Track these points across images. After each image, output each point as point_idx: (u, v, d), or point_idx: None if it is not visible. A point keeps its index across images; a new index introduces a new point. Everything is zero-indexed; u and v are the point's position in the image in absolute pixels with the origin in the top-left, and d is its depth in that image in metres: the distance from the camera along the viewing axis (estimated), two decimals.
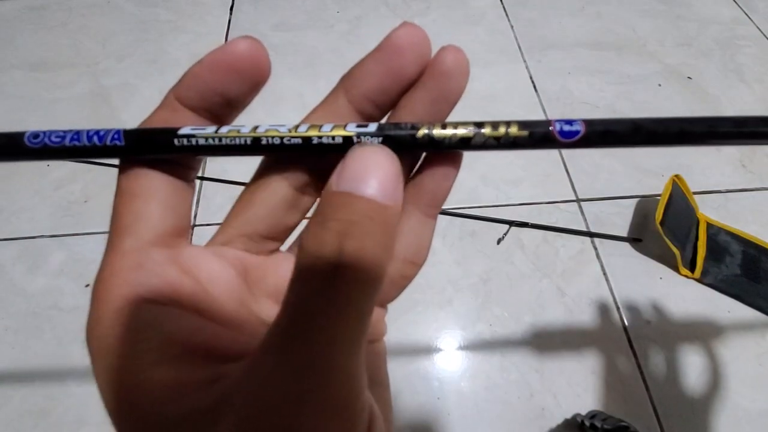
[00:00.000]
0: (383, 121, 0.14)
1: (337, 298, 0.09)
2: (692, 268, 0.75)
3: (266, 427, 0.09)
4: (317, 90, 1.07)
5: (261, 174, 0.15)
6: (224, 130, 0.12)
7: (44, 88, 0.98)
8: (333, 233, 0.10)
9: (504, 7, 1.14)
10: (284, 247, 0.16)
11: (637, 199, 0.83)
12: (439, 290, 0.74)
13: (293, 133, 0.12)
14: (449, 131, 0.12)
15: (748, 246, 0.77)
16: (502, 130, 0.12)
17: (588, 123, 0.12)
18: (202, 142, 0.12)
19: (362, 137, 0.12)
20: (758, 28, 1.11)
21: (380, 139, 0.12)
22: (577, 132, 0.12)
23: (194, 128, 0.12)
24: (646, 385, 0.66)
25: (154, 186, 0.12)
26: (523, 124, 0.12)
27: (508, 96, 0.98)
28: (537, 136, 0.12)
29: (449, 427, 0.64)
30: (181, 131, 0.12)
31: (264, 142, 0.12)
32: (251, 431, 0.10)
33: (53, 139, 0.12)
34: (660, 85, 1.00)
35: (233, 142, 0.12)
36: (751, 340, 0.70)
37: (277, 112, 0.94)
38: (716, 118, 0.12)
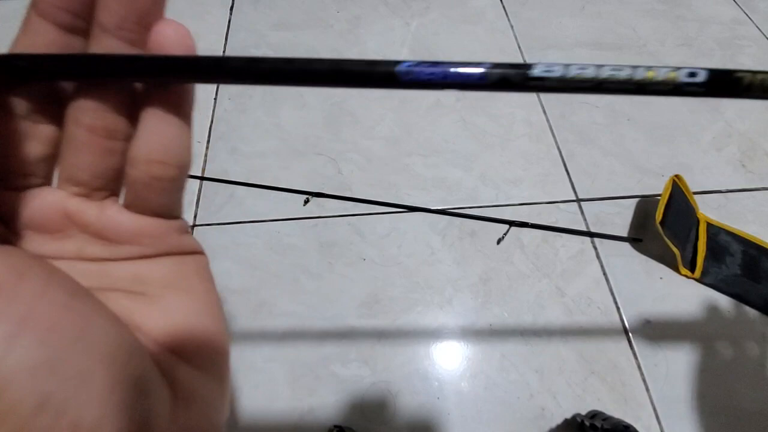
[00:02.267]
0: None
1: None
2: (692, 268, 0.75)
3: None
4: (317, 90, 1.06)
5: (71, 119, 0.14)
6: (572, 72, 0.13)
7: None
8: None
9: (504, 7, 1.14)
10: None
11: (637, 199, 0.83)
12: (439, 290, 0.74)
13: (634, 78, 0.13)
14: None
15: (748, 246, 0.77)
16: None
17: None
18: (552, 84, 0.13)
19: (689, 87, 0.13)
20: (758, 28, 1.11)
21: (705, 85, 0.13)
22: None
23: (546, 69, 0.13)
24: (646, 385, 0.66)
25: None
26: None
27: (508, 96, 0.98)
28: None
29: (449, 427, 0.64)
30: (535, 72, 0.13)
31: (606, 86, 0.13)
32: None
33: (423, 75, 0.13)
34: None
35: (580, 85, 0.13)
36: (751, 340, 0.70)
37: (278, 111, 0.95)
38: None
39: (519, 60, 1.04)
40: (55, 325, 0.10)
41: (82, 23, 0.13)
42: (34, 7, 0.13)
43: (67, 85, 0.14)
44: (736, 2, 1.16)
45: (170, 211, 0.15)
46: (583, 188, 0.85)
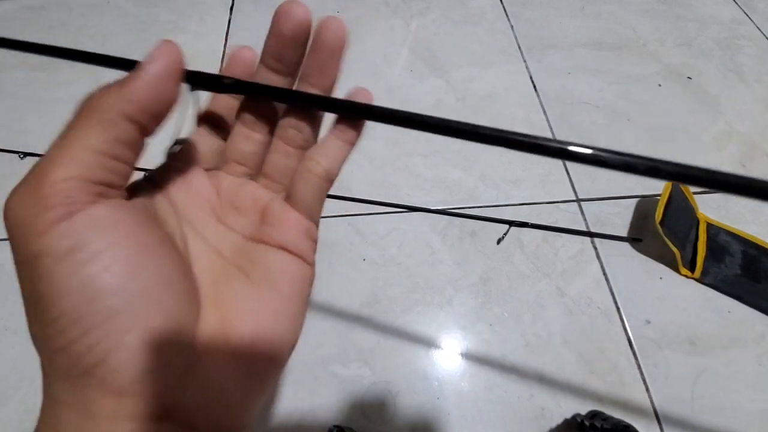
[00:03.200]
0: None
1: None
2: (692, 268, 0.75)
3: None
4: None
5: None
6: None
7: (44, 88, 0.98)
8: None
9: (504, 7, 1.14)
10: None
11: (637, 199, 0.83)
12: (439, 290, 0.74)
13: None
14: None
15: (748, 246, 0.77)
16: None
17: None
18: None
19: None
20: (758, 28, 1.11)
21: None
22: None
23: None
24: (646, 385, 0.66)
25: None
26: None
27: (508, 96, 0.98)
28: None
29: (449, 427, 0.64)
30: None
31: None
32: None
33: None
34: (660, 85, 1.00)
35: None
36: (751, 340, 0.70)
37: None
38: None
39: (520, 60, 1.04)
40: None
41: (281, 67, 0.19)
42: (261, 58, 0.19)
43: (279, 109, 0.20)
44: (735, 2, 1.16)
45: (310, 210, 0.19)
46: (583, 188, 0.85)
